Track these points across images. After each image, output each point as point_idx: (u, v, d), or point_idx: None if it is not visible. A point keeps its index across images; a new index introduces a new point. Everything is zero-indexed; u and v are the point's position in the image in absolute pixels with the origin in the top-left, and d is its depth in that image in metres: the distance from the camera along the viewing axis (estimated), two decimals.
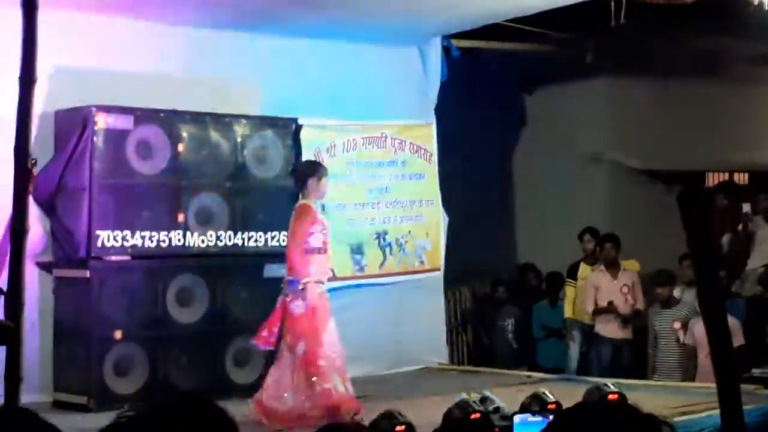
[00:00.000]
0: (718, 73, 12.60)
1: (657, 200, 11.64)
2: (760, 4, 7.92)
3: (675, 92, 12.45)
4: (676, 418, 6.86)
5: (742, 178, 13.31)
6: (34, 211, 7.49)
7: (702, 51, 12.37)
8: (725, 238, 11.13)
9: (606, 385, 6.39)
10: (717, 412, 3.97)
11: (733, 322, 8.84)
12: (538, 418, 5.40)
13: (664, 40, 11.68)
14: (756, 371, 8.14)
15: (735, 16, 10.23)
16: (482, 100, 12.36)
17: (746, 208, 11.79)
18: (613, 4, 7.63)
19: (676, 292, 9.52)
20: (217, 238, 8.05)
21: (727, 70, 12.61)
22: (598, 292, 10.05)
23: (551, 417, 4.91)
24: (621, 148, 12.42)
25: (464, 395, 6.06)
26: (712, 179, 13.15)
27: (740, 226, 11.18)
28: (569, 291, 10.58)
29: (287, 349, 7.09)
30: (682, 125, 12.39)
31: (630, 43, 11.04)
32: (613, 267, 10.04)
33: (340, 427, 3.04)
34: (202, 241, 7.98)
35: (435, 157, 9.83)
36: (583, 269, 10.47)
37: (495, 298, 11.30)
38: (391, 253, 8.96)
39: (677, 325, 9.22)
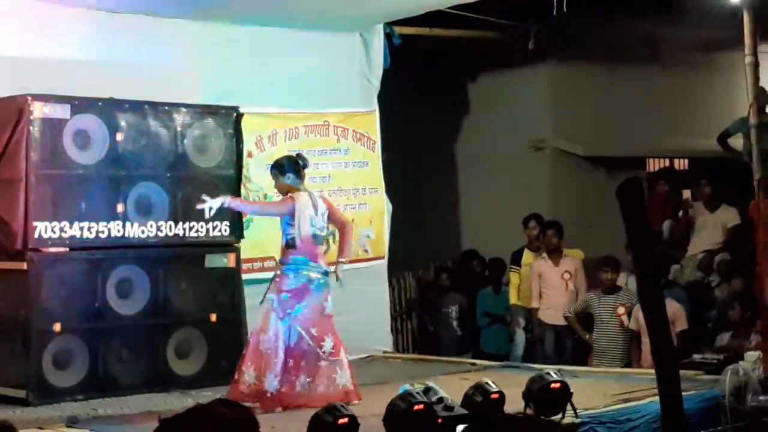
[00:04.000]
0: (659, 60, 12.70)
1: (600, 186, 11.71)
2: None
3: (617, 79, 12.52)
4: (619, 405, 6.91)
5: (682, 164, 13.44)
6: None
7: (643, 37, 12.45)
8: (666, 225, 11.21)
9: (548, 373, 6.39)
10: (658, 398, 3.99)
11: (677, 307, 8.92)
12: None
13: (606, 26, 11.73)
14: (697, 357, 8.21)
15: (676, 2, 10.31)
16: (425, 87, 12.35)
17: (687, 194, 11.90)
18: None
19: (621, 279, 9.56)
20: (158, 228, 7.92)
21: (668, 57, 12.71)
22: (542, 279, 10.12)
23: None
24: (564, 134, 12.47)
25: (408, 386, 6.05)
26: (653, 165, 13.26)
27: (681, 213, 11.27)
28: (513, 277, 10.62)
29: None
30: (624, 112, 12.47)
31: (573, 29, 11.08)
32: (554, 254, 10.09)
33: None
34: (142, 232, 7.85)
35: (378, 145, 9.79)
36: (527, 256, 10.52)
37: (439, 286, 11.30)
38: (334, 242, 8.86)
39: (621, 309, 9.27)
